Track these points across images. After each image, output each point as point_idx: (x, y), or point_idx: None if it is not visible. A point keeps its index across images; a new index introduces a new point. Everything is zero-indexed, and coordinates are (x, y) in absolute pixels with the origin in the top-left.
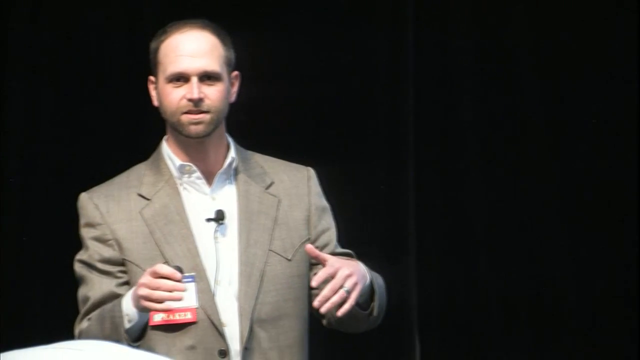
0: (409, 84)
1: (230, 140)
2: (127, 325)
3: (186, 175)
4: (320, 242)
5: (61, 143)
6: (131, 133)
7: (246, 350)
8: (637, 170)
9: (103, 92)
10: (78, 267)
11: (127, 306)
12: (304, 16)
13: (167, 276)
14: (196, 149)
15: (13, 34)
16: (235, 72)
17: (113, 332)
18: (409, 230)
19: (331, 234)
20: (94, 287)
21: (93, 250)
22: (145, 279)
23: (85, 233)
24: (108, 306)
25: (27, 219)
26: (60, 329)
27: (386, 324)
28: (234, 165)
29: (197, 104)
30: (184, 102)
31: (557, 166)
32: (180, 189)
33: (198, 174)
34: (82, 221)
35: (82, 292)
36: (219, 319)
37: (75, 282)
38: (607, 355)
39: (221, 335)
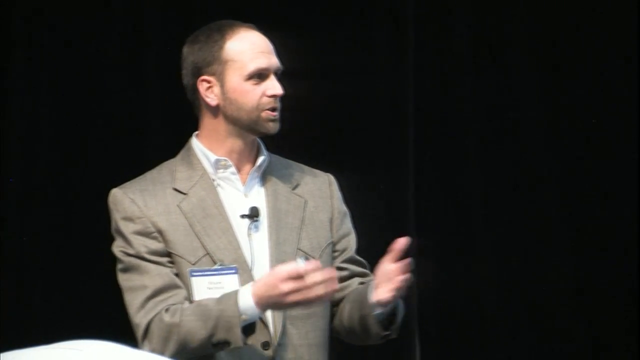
0: (409, 83)
1: (260, 141)
2: (242, 324)
3: (221, 170)
4: (340, 246)
5: (61, 144)
6: (131, 133)
7: (279, 346)
8: (637, 167)
9: (103, 93)
10: (127, 259)
11: (247, 306)
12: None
13: (297, 275)
14: (236, 145)
15: (14, 34)
16: None
17: (223, 332)
18: (408, 230)
19: (351, 239)
20: (151, 274)
21: (138, 244)
22: (287, 286)
23: (125, 227)
24: (213, 305)
25: (27, 219)
26: (60, 329)
27: None
28: (264, 165)
29: (277, 100)
30: (265, 99)
31: (557, 165)
32: (215, 184)
33: (233, 169)
34: (119, 216)
35: (136, 281)
36: None
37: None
38: (606, 355)
39: (265, 327)
